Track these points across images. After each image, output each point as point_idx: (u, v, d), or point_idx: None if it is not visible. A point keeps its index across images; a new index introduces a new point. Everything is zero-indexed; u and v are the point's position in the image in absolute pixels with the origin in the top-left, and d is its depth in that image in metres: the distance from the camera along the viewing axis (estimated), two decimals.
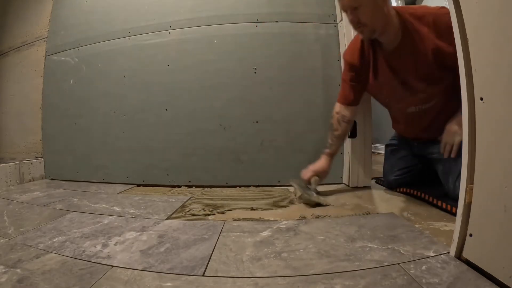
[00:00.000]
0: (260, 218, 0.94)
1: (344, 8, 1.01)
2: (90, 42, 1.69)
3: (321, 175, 1.21)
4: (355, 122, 1.35)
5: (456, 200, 0.99)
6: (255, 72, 1.47)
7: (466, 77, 0.60)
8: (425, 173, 1.23)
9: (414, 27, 0.99)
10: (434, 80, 1.03)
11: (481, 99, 0.56)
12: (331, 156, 1.24)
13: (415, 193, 1.14)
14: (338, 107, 1.23)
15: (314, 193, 1.13)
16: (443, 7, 0.94)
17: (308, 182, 1.19)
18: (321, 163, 1.23)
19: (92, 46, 1.69)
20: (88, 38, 1.70)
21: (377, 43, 1.08)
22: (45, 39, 1.86)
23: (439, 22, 0.94)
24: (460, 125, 0.97)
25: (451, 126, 1.01)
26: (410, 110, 1.12)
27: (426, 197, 1.06)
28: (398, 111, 1.20)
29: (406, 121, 1.20)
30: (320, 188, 1.33)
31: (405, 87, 1.08)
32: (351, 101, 1.20)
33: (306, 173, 1.21)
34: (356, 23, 1.00)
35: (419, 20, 0.98)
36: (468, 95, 0.59)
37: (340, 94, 1.23)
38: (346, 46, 1.36)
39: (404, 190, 1.21)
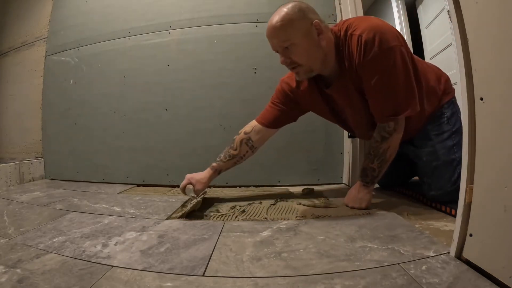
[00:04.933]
0: (260, 218, 0.94)
1: (274, 49, 0.91)
2: (90, 42, 1.69)
3: (196, 186, 1.09)
4: None
5: (430, 199, 1.01)
6: (255, 72, 1.47)
7: (466, 77, 0.60)
8: (409, 174, 1.24)
9: (345, 53, 0.89)
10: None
11: (481, 99, 0.56)
12: (216, 172, 1.13)
13: (413, 195, 1.14)
14: (250, 127, 1.14)
15: (195, 200, 1.04)
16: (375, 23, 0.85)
17: (183, 191, 1.11)
18: (201, 173, 1.12)
19: (92, 46, 1.69)
20: (88, 38, 1.70)
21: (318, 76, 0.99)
22: (45, 39, 1.86)
23: (367, 49, 0.83)
24: (358, 203, 0.98)
25: (348, 203, 1.01)
26: (371, 134, 1.02)
27: (424, 200, 1.06)
28: (363, 135, 1.14)
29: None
30: (320, 188, 1.33)
31: (358, 117, 1.03)
32: (270, 123, 1.11)
33: (184, 180, 1.11)
34: (289, 64, 0.90)
35: (350, 42, 0.88)
36: (468, 95, 0.59)
37: (261, 113, 1.15)
38: None
39: (403, 190, 1.21)
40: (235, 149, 1.13)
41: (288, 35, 0.86)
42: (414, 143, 1.08)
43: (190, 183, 1.10)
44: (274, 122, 1.12)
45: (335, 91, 0.98)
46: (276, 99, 1.13)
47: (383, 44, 0.83)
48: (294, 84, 1.08)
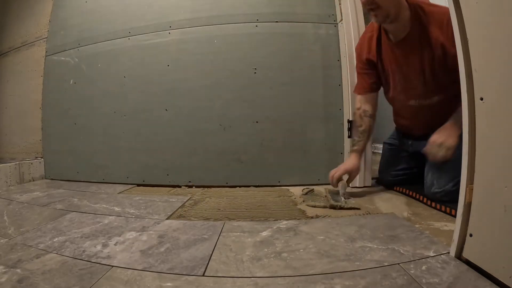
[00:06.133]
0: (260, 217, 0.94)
1: None
2: (90, 42, 1.69)
3: (353, 173, 1.17)
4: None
5: (430, 198, 1.02)
6: (255, 72, 1.47)
7: (466, 77, 0.60)
8: (419, 176, 1.23)
9: (424, 22, 0.99)
10: (434, 76, 1.03)
11: (481, 99, 0.56)
12: (360, 152, 1.21)
13: (414, 195, 1.14)
14: (358, 102, 1.22)
15: (342, 198, 1.11)
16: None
17: (336, 184, 1.16)
18: (351, 160, 1.18)
19: (92, 46, 1.69)
20: (88, 38, 1.70)
21: (384, 33, 1.10)
22: (45, 39, 1.86)
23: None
24: (446, 136, 0.98)
25: (435, 139, 1.00)
26: (411, 103, 1.12)
27: (425, 200, 1.06)
28: (400, 104, 1.19)
29: (406, 115, 1.20)
30: (320, 188, 1.33)
31: (407, 80, 1.08)
32: (368, 88, 1.19)
33: (336, 171, 1.16)
34: (370, 3, 0.98)
35: (430, 16, 0.99)
36: (468, 95, 0.59)
37: (357, 86, 1.24)
38: (346, 46, 1.37)
39: (404, 190, 1.21)
40: (361, 126, 1.20)
41: None
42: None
43: (347, 173, 1.15)
44: (371, 86, 1.20)
45: (401, 45, 1.05)
46: (359, 68, 1.22)
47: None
48: (365, 44, 1.17)
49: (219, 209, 1.06)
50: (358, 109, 1.21)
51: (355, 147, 1.20)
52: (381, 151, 1.46)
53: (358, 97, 1.22)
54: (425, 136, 1.10)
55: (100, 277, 0.58)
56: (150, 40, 1.58)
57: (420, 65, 1.03)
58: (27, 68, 1.93)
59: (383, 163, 1.36)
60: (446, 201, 0.96)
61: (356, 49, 1.25)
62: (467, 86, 0.59)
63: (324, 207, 1.04)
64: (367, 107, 1.19)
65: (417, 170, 1.23)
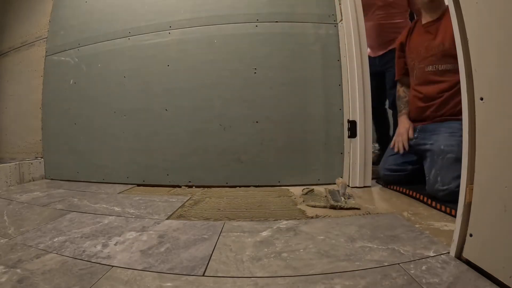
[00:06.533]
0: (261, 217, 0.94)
1: None
2: (90, 42, 1.69)
3: (410, 129, 1.31)
4: (355, 122, 1.36)
5: (432, 196, 1.03)
6: (255, 72, 1.47)
7: (466, 77, 0.60)
8: (419, 175, 1.24)
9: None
10: (453, 49, 1.11)
11: (481, 99, 0.56)
12: (407, 114, 1.39)
13: (414, 194, 1.14)
14: (398, 84, 1.47)
15: (342, 198, 1.12)
16: None
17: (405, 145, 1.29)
18: (405, 121, 1.35)
19: (92, 46, 1.69)
20: (88, 38, 1.70)
21: (419, 20, 1.35)
22: (45, 39, 1.86)
23: None
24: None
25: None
26: (428, 69, 1.25)
27: (425, 200, 1.06)
28: (419, 72, 1.30)
29: (424, 86, 1.28)
30: (320, 188, 1.33)
31: (428, 49, 1.26)
32: (402, 71, 1.44)
33: (402, 138, 1.30)
34: None
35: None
36: (468, 95, 0.59)
37: (396, 71, 1.48)
38: (346, 46, 1.37)
39: (403, 190, 1.21)
40: (405, 97, 1.43)
41: None
42: (442, 129, 1.15)
43: (408, 131, 1.31)
44: (404, 69, 1.43)
45: (431, 25, 1.27)
46: (397, 56, 1.46)
47: None
48: (403, 33, 1.44)
49: (219, 209, 1.06)
50: (400, 86, 1.46)
51: (404, 111, 1.40)
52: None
53: (398, 81, 1.48)
54: (434, 122, 1.21)
55: (100, 277, 0.58)
56: (150, 40, 1.58)
57: (441, 40, 1.20)
58: (27, 68, 1.93)
59: (384, 158, 1.38)
60: (447, 201, 0.96)
61: (396, 42, 1.50)
62: (467, 86, 0.59)
63: (324, 207, 1.04)
64: (406, 84, 1.43)
65: (415, 167, 1.24)
